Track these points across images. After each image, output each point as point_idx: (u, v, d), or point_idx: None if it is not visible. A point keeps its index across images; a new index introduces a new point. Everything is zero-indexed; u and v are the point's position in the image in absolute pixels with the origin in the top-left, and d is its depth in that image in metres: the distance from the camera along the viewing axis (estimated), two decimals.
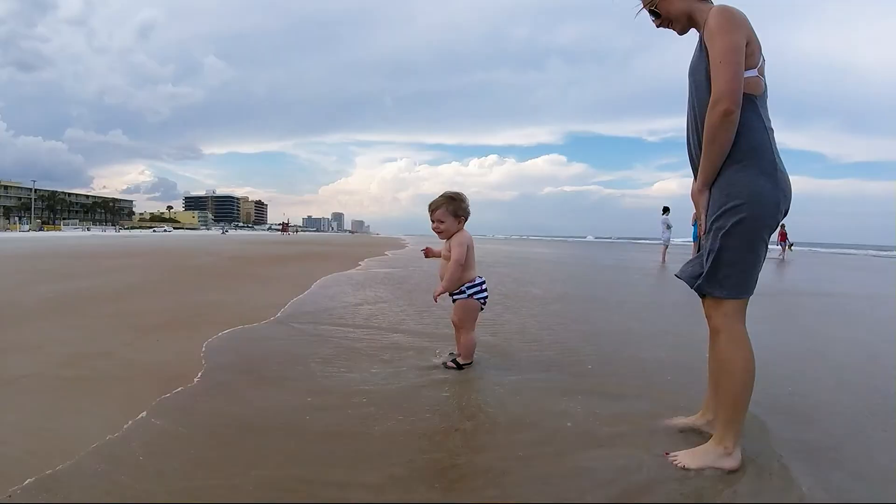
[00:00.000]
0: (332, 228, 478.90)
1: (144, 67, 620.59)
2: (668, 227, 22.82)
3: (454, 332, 4.49)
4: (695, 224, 21.68)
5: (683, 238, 23.41)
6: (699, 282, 2.70)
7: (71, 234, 76.24)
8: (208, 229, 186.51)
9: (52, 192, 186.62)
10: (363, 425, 3.15)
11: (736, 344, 2.61)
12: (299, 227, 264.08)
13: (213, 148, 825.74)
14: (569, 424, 3.19)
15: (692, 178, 2.80)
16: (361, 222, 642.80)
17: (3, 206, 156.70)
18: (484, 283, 4.31)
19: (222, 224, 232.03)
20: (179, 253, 22.22)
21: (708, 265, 2.63)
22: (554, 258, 25.80)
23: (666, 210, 22.97)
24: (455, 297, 4.27)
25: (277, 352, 5.00)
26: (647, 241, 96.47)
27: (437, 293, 4.16)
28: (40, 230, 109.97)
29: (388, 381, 4.02)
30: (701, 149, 2.63)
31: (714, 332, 2.72)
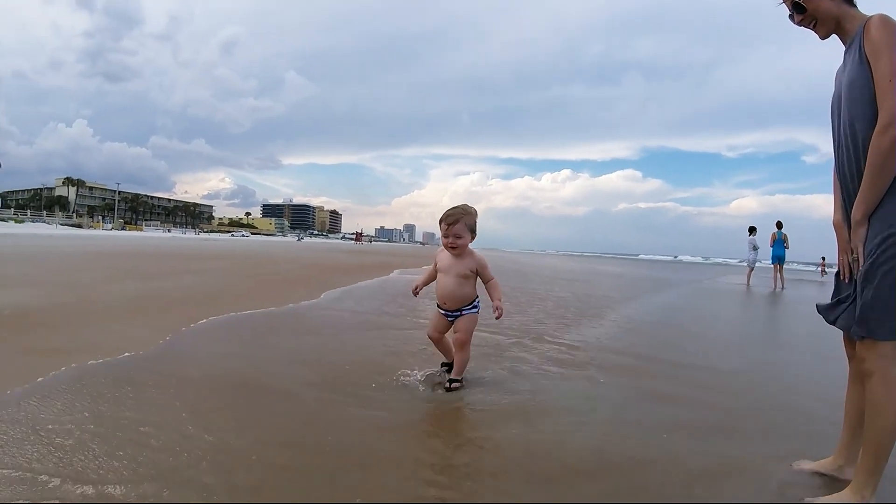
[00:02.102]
0: (404, 239, 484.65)
1: (228, 82, 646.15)
2: (755, 248, 22.00)
3: (434, 343, 4.44)
4: (774, 246, 20.82)
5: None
6: (855, 322, 2.44)
7: (152, 235, 79.77)
8: (284, 236, 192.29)
9: (136, 194, 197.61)
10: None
11: (889, 388, 2.38)
12: (372, 236, 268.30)
13: (292, 159, 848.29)
14: (684, 464, 2.98)
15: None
16: (432, 234, 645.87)
17: (88, 206, 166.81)
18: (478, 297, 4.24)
19: (298, 231, 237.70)
20: (258, 259, 22.62)
21: (867, 304, 2.39)
22: (634, 278, 25.00)
23: (752, 230, 22.13)
24: (465, 311, 4.15)
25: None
26: (718, 261, 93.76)
27: (501, 310, 3.99)
28: (122, 229, 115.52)
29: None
30: (858, 173, 2.43)
31: (866, 375, 2.47)
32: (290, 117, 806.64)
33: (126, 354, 4.63)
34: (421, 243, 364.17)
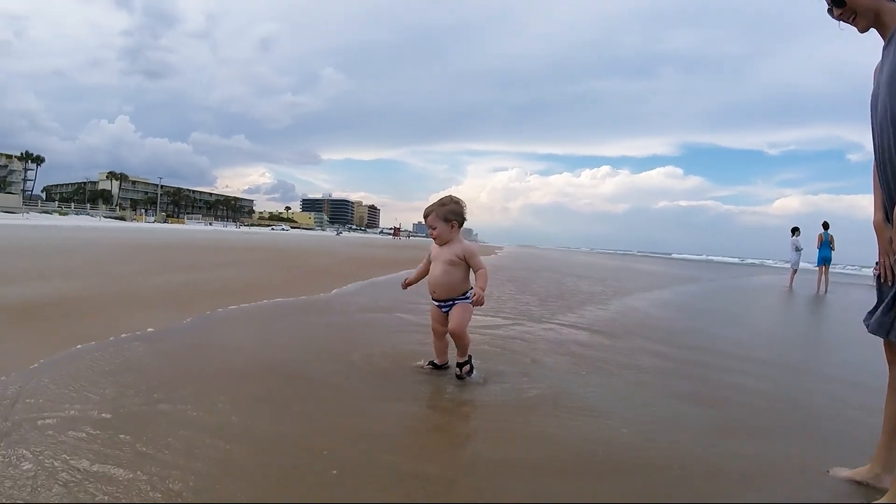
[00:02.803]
0: None
1: (265, 78, 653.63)
2: (798, 249, 21.33)
3: (435, 339, 4.42)
4: (820, 248, 20.18)
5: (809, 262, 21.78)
6: (891, 326, 2.40)
7: (194, 228, 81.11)
8: (323, 230, 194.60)
9: (178, 188, 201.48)
10: None
11: None
12: (410, 232, 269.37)
13: (331, 154, 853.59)
14: (716, 466, 2.93)
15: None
16: (470, 230, 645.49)
17: (131, 200, 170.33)
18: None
19: (336, 226, 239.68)
20: (297, 252, 22.87)
21: None
22: (672, 279, 24.65)
23: (795, 230, 21.42)
24: (458, 300, 4.19)
25: None
26: (756, 262, 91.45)
27: (481, 299, 3.96)
28: (165, 222, 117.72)
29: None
30: None
31: None
32: (327, 113, 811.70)
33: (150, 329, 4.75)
34: None
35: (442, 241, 4.18)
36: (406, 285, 4.47)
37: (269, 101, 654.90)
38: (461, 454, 2.97)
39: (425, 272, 4.38)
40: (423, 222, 4.24)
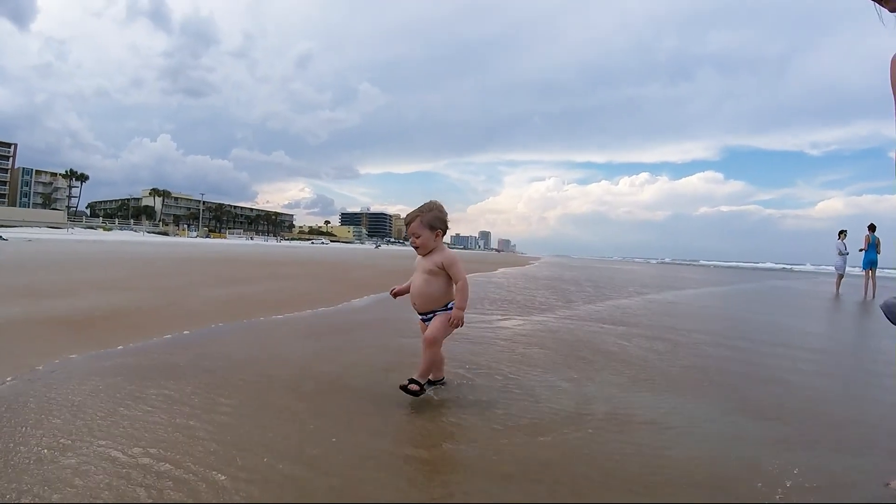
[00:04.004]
0: (479, 246, 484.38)
1: (303, 95, 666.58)
2: (842, 253, 20.48)
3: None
4: (866, 252, 19.40)
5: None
6: None
7: (235, 242, 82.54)
8: (362, 243, 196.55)
9: (220, 204, 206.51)
10: None
11: None
12: (448, 244, 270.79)
13: (369, 168, 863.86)
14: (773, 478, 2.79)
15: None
16: (508, 241, 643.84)
17: (174, 215, 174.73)
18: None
19: (375, 239, 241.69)
20: (337, 265, 23.03)
21: None
22: (720, 291, 24.10)
23: (842, 233, 20.61)
24: (439, 311, 3.88)
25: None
26: (801, 268, 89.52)
27: (459, 319, 3.75)
28: (207, 237, 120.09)
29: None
30: None
31: None
32: (364, 127, 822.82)
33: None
34: (496, 250, 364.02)
35: (425, 250, 3.93)
36: (395, 294, 4.16)
37: (307, 118, 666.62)
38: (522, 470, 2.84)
39: None
40: (407, 231, 3.99)
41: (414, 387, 3.69)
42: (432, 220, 3.87)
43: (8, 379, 3.84)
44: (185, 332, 5.94)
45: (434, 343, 3.78)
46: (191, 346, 5.29)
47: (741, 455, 3.14)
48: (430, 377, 4.03)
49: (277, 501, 2.27)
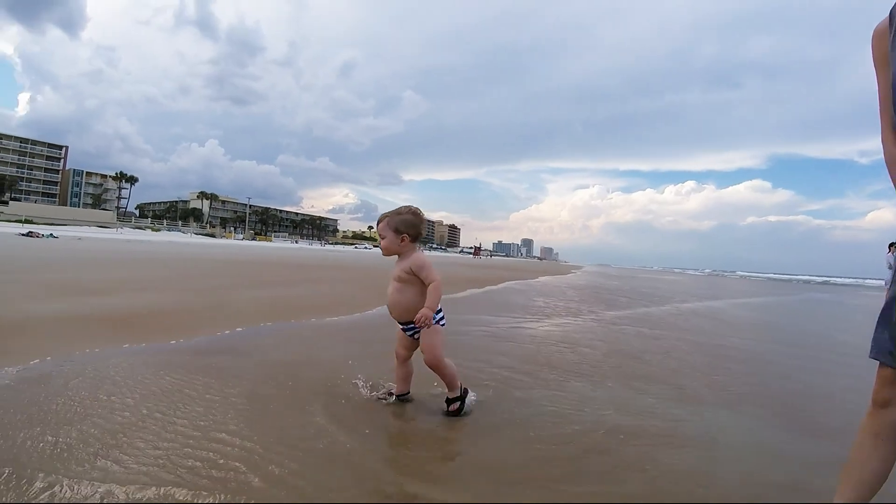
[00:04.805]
0: (521, 254, 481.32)
1: (347, 103, 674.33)
2: (892, 266, 19.57)
3: (397, 364, 3.88)
4: None
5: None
6: None
7: (280, 246, 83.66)
8: None
9: (266, 208, 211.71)
10: None
11: None
12: (490, 251, 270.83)
13: (412, 175, 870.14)
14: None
15: None
16: (550, 249, 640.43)
17: (221, 218, 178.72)
18: (440, 310, 3.70)
19: (418, 245, 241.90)
20: (383, 270, 23.05)
21: None
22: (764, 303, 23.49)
23: (892, 246, 19.54)
24: (411, 329, 3.72)
25: None
26: (849, 281, 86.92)
27: (425, 318, 3.48)
28: (253, 240, 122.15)
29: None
30: None
31: None
32: (407, 134, 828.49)
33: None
34: (538, 258, 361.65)
35: (388, 253, 3.76)
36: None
37: (351, 125, 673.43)
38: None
39: None
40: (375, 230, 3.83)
41: (454, 407, 3.68)
42: (399, 223, 3.68)
43: (48, 358, 3.98)
44: (224, 332, 6.01)
45: (438, 364, 3.67)
46: (228, 345, 5.35)
47: (791, 474, 3.08)
48: (396, 390, 3.93)
49: (278, 501, 2.28)
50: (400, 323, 3.79)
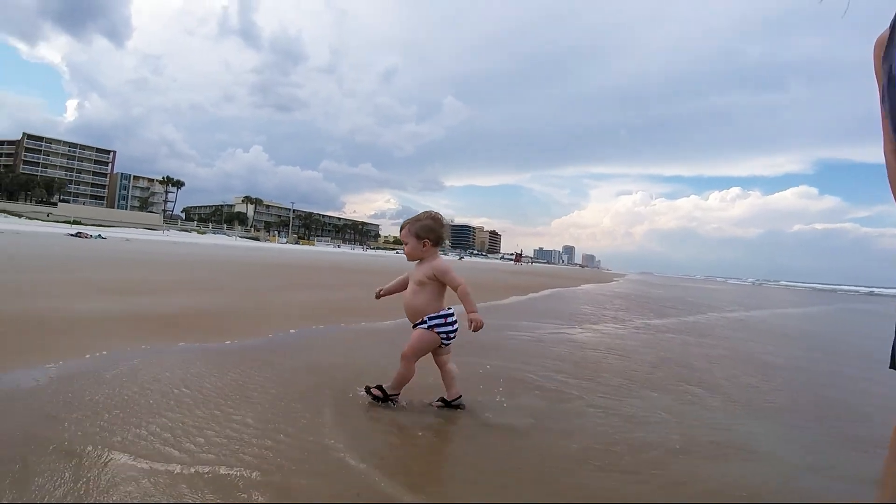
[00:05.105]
0: (563, 261, 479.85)
1: (389, 109, 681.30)
2: None
3: (442, 373, 3.88)
4: None
5: None
6: None
7: (323, 250, 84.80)
8: (446, 254, 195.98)
9: (309, 213, 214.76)
10: None
11: None
12: (531, 258, 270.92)
13: (453, 181, 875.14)
14: None
15: None
16: (592, 256, 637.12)
17: (265, 222, 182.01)
18: (452, 315, 3.78)
19: (459, 251, 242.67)
20: None
21: None
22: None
23: None
24: (417, 325, 3.77)
25: None
26: (884, 291, 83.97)
27: (478, 323, 3.50)
28: (296, 243, 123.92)
29: None
30: None
31: None
32: (449, 140, 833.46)
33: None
34: (579, 265, 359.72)
35: (412, 258, 3.89)
36: (378, 295, 4.12)
37: (393, 131, 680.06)
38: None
39: (400, 286, 4.01)
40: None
41: (376, 391, 3.72)
42: (419, 229, 3.79)
43: (102, 352, 4.00)
44: (278, 334, 6.01)
45: (405, 357, 3.70)
46: (281, 346, 5.34)
47: (847, 492, 2.98)
48: (444, 396, 3.85)
49: (281, 501, 2.27)
50: (413, 324, 3.82)
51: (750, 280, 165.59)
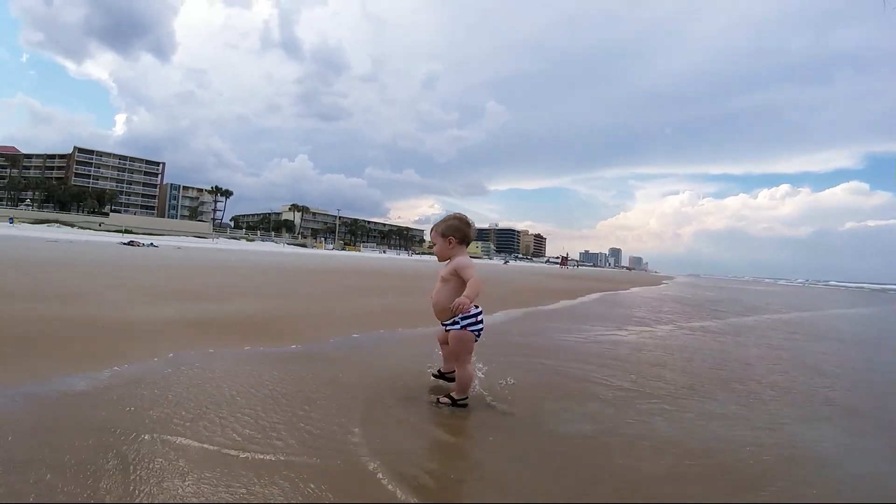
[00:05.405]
0: (609, 264, 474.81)
1: (431, 115, 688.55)
2: None
3: (440, 348, 4.26)
4: None
5: None
6: None
7: (369, 255, 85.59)
8: (490, 259, 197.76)
9: (354, 219, 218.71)
10: None
11: None
12: (577, 261, 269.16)
13: (496, 185, 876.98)
14: None
15: None
16: (639, 259, 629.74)
17: (312, 229, 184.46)
18: (480, 313, 3.89)
19: (504, 255, 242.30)
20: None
21: None
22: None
23: None
24: (448, 327, 3.91)
25: None
26: None
27: (460, 305, 3.61)
28: (342, 249, 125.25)
29: None
30: None
31: None
32: (491, 144, 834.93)
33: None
34: (626, 268, 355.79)
35: (441, 258, 4.07)
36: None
37: (435, 137, 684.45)
38: None
39: None
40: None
41: (445, 400, 3.82)
42: (445, 228, 4.01)
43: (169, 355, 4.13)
44: (338, 338, 6.06)
45: (459, 363, 3.84)
46: (343, 349, 5.39)
47: None
48: (441, 368, 4.28)
49: (285, 501, 2.31)
50: (441, 322, 4.01)
51: (798, 280, 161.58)
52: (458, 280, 3.87)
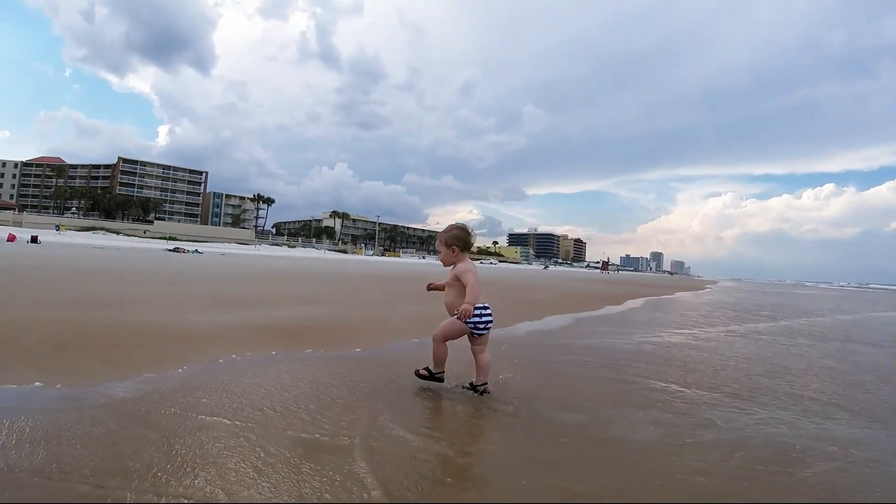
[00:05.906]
0: (651, 268, 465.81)
1: (469, 121, 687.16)
2: None
3: (473, 358, 4.47)
4: None
5: None
6: None
7: (408, 261, 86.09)
8: (529, 264, 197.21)
9: (394, 225, 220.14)
10: None
11: None
12: (618, 266, 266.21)
13: (535, 189, 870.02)
14: None
15: None
16: (681, 263, 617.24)
17: (352, 235, 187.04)
18: (487, 308, 4.34)
19: (543, 259, 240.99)
20: (516, 286, 23.03)
21: None
22: None
23: None
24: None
25: None
26: None
27: (465, 312, 4.10)
28: (382, 255, 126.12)
29: None
30: None
31: None
32: (530, 149, 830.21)
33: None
34: (668, 272, 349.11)
35: (446, 264, 4.53)
36: (429, 288, 4.86)
37: (474, 142, 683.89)
38: None
39: (445, 285, 4.59)
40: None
41: (423, 371, 4.47)
42: (447, 238, 4.46)
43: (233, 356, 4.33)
44: (392, 344, 6.29)
45: (434, 339, 4.38)
46: (401, 354, 5.60)
47: None
48: (473, 381, 4.46)
49: (286, 501, 2.38)
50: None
51: (840, 283, 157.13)
52: (461, 284, 4.32)
